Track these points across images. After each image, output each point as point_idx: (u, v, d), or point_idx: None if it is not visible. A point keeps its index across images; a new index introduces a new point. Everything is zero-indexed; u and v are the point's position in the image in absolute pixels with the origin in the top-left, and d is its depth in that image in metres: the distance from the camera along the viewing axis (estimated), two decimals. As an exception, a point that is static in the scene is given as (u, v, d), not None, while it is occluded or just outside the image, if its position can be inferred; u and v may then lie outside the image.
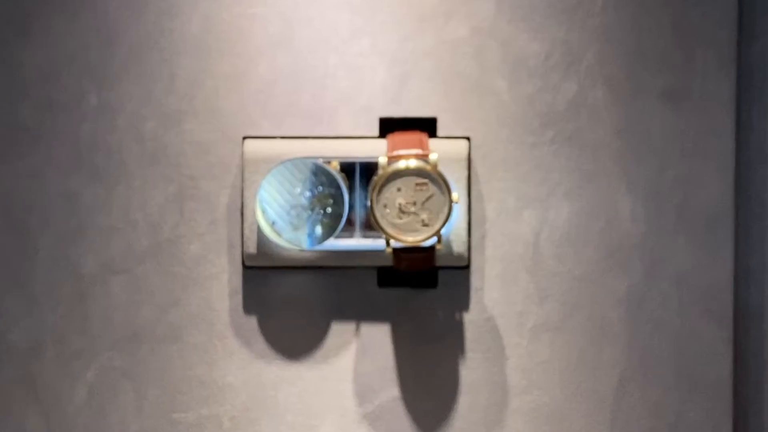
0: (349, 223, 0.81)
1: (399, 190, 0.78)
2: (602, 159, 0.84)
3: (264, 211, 0.78)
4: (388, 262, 0.80)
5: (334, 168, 0.80)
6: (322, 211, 0.79)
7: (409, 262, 0.79)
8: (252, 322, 0.85)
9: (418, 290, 0.84)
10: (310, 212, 0.78)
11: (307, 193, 0.79)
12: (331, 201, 0.78)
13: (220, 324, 0.85)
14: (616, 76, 0.83)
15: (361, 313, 0.85)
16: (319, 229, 0.79)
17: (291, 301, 0.85)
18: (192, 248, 0.85)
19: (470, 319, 0.84)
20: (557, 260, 0.85)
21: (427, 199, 0.77)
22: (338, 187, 0.79)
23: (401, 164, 0.77)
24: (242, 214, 0.82)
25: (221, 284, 0.85)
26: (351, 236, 0.81)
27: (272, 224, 0.79)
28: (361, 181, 0.81)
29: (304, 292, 0.84)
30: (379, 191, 0.77)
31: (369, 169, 0.81)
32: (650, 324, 0.84)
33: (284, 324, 0.85)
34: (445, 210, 0.77)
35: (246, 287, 0.85)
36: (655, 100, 0.83)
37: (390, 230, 0.77)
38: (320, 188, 0.79)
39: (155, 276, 0.85)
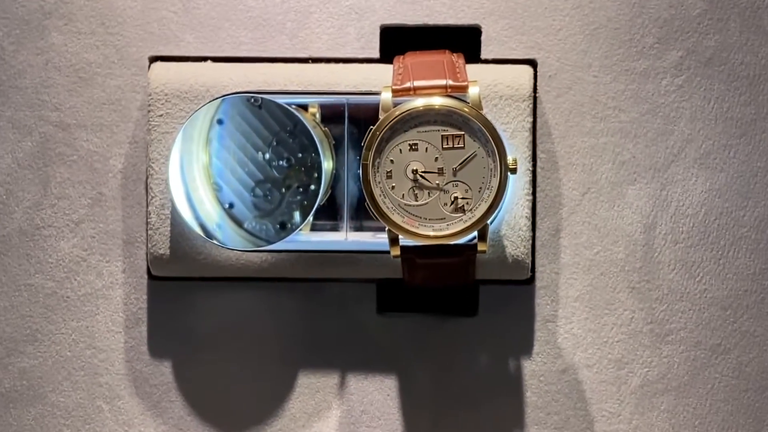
0: (332, 208, 0.78)
1: (414, 147, 0.72)
2: (765, 98, 0.80)
3: (218, 189, 0.77)
4: (395, 273, 0.76)
5: (310, 117, 0.77)
6: (301, 189, 0.77)
7: (429, 274, 0.74)
8: (163, 371, 0.82)
9: (446, 320, 0.82)
10: (283, 191, 0.77)
11: (282, 162, 0.77)
12: (315, 175, 0.76)
13: (110, 374, 0.82)
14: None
15: (349, 358, 0.82)
16: (297, 216, 0.77)
17: (232, 338, 0.81)
18: (63, 246, 0.81)
19: (534, 369, 0.81)
20: (685, 272, 0.82)
21: (463, 163, 0.72)
22: (314, 148, 0.75)
23: (418, 103, 0.72)
24: (147, 188, 0.78)
25: (111, 307, 0.82)
26: (335, 229, 0.78)
27: (229, 207, 0.77)
28: (352, 135, 0.78)
29: (254, 321, 0.81)
30: (379, 149, 0.72)
31: (365, 114, 0.77)
32: None
33: (220, 375, 0.82)
34: (494, 183, 0.72)
35: (154, 313, 0.81)
36: None
37: (397, 218, 0.72)
38: (300, 155, 0.77)
39: (3, 290, 0.81)
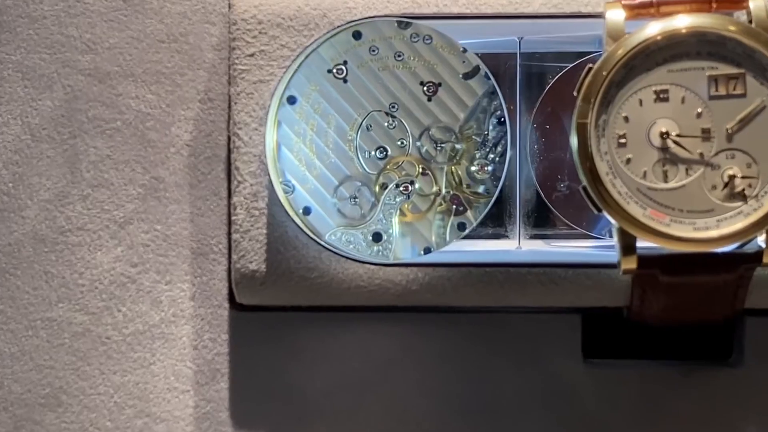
0: (499, 205, 0.74)
1: (662, 97, 0.66)
2: None
3: (290, 190, 0.74)
4: (616, 299, 0.73)
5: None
6: (401, 188, 0.74)
7: (678, 301, 0.71)
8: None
9: (689, 370, 0.76)
10: (377, 190, 0.75)
11: (375, 153, 0.75)
12: (420, 169, 0.75)
13: (175, 453, 0.84)
14: None
15: (543, 426, 0.77)
16: (395, 225, 0.75)
17: (359, 399, 0.77)
18: (100, 259, 0.78)
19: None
20: None
21: (744, 121, 0.66)
22: (495, 109, 0.73)
23: (666, 26, 0.66)
24: (231, 169, 0.76)
25: (175, 353, 0.77)
26: (504, 234, 0.75)
27: (304, 213, 0.74)
28: (525, 92, 0.74)
29: (393, 373, 0.76)
30: (606, 101, 0.67)
31: (540, 67, 0.75)
32: None
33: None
34: (799, 153, 0.71)
35: (240, 361, 0.77)
36: None
37: (635, 209, 0.67)
38: (400, 143, 0.74)
39: (9, 328, 0.77)
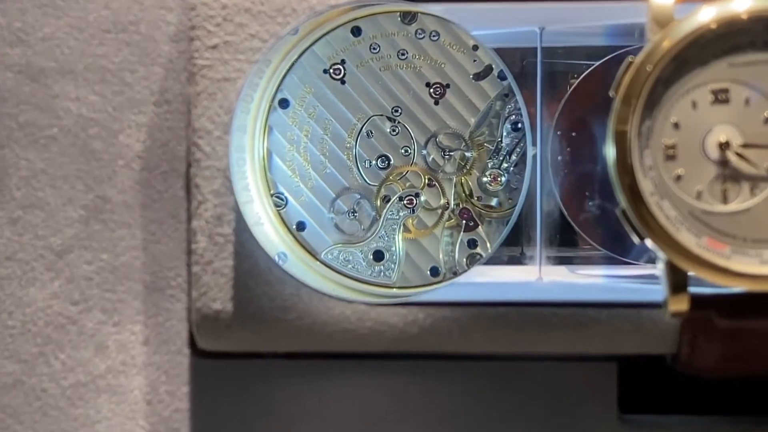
0: (518, 228, 0.72)
1: (721, 97, 0.62)
2: None
3: (282, 203, 0.72)
4: (659, 345, 0.69)
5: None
6: (405, 201, 0.73)
7: (739, 350, 0.66)
8: None
9: (748, 428, 0.73)
10: (378, 204, 0.72)
11: (377, 162, 0.73)
12: (426, 179, 0.74)
13: None
14: None
15: None
16: (398, 241, 0.73)
17: None
18: (33, 296, 0.74)
19: None
20: None
21: None
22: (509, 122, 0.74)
23: (715, 13, 0.62)
24: (191, 186, 0.72)
25: (124, 409, 0.72)
26: (520, 258, 0.71)
27: (297, 229, 0.72)
28: (546, 93, 0.71)
29: (389, 430, 0.73)
30: (651, 103, 0.62)
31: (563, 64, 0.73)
32: None
33: None
34: None
35: (202, 419, 0.73)
36: None
37: (688, 238, 0.62)
38: (404, 151, 0.74)
39: None
